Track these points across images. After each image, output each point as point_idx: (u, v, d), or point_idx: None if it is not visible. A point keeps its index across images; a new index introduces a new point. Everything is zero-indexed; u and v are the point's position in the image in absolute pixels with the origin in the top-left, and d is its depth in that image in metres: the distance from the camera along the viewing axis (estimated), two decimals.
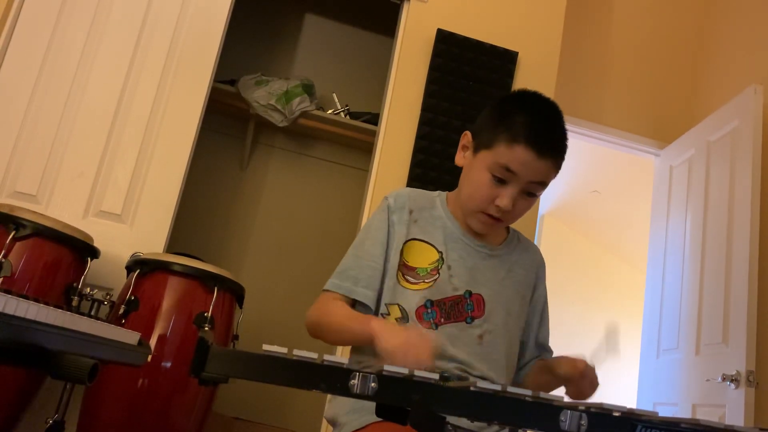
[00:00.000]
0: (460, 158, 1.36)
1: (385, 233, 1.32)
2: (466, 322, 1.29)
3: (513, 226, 1.47)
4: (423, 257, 1.31)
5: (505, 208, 1.24)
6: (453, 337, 1.27)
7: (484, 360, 1.28)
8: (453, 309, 1.29)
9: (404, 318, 1.27)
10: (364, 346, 1.31)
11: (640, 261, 4.03)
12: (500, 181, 1.24)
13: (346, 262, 1.33)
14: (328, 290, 1.30)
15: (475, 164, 1.29)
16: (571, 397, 1.27)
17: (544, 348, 1.44)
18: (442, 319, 1.28)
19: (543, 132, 1.23)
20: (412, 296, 1.28)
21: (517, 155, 1.21)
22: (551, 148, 1.23)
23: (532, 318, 1.43)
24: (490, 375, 1.28)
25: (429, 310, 1.27)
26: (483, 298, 1.31)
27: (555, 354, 1.46)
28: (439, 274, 1.30)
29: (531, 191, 1.26)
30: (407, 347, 1.01)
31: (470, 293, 1.31)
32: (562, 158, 1.27)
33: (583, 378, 1.22)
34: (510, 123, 1.24)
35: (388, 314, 1.28)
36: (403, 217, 1.33)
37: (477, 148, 1.30)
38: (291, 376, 0.66)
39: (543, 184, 1.26)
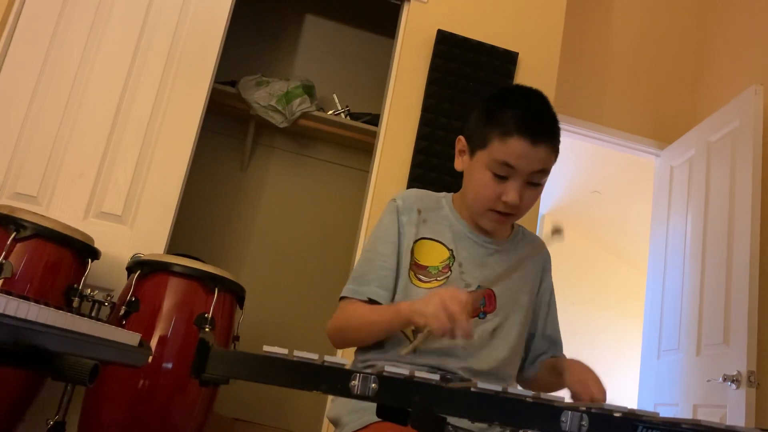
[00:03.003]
0: (459, 163, 1.37)
1: (395, 233, 1.33)
2: (479, 317, 1.30)
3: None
4: (434, 256, 1.32)
5: (513, 203, 1.25)
6: None
7: (495, 351, 1.30)
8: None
9: None
10: (368, 347, 1.31)
11: (640, 261, 4.02)
12: (502, 178, 1.25)
13: (360, 267, 1.33)
14: (346, 297, 1.31)
15: (474, 166, 1.30)
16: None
17: (552, 340, 1.45)
18: None
19: (533, 120, 1.25)
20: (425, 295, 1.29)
21: (512, 148, 1.22)
22: (544, 133, 1.24)
23: (539, 309, 1.44)
24: (497, 368, 1.29)
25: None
26: (494, 293, 1.33)
27: (565, 351, 1.47)
28: (450, 271, 1.31)
29: (534, 181, 1.27)
30: (445, 305, 1.05)
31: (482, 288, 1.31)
32: (558, 142, 1.28)
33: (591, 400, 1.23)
34: (499, 119, 1.25)
35: None
36: (413, 218, 1.34)
37: (473, 150, 1.31)
38: (292, 377, 0.66)
39: (544, 172, 1.27)
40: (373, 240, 1.36)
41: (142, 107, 2.47)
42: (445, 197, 1.42)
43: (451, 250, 1.33)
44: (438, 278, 1.30)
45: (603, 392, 1.22)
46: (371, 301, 1.29)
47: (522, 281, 1.38)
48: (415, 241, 1.32)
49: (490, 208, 1.28)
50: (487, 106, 1.32)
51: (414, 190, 1.42)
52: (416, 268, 1.31)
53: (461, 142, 1.36)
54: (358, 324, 1.27)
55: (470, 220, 1.37)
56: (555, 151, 1.27)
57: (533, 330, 1.43)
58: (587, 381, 1.24)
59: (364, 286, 1.29)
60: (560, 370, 1.32)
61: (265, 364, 0.66)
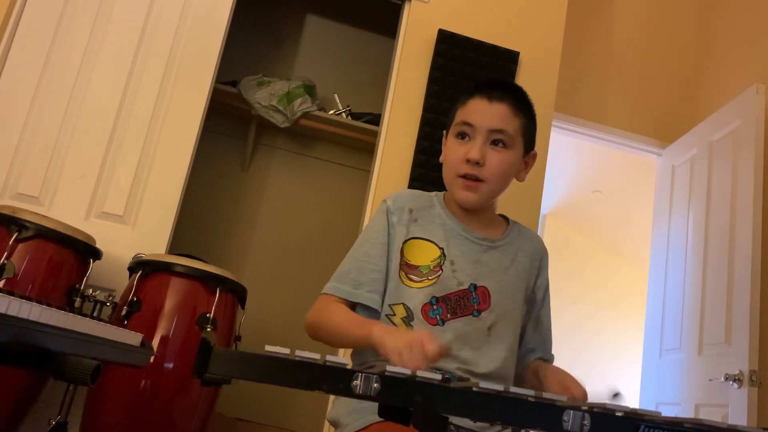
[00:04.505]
0: (442, 155, 1.41)
1: (385, 235, 1.33)
2: (473, 315, 1.29)
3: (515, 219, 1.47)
4: (424, 255, 1.32)
5: (475, 158, 1.28)
6: (461, 331, 1.27)
7: (493, 351, 1.29)
8: (459, 303, 1.29)
9: (409, 317, 1.27)
10: (364, 349, 1.31)
11: (642, 261, 4.02)
12: (464, 138, 1.32)
13: (345, 265, 1.33)
14: (327, 293, 1.30)
15: (446, 144, 1.38)
16: None
17: (542, 337, 1.45)
18: (449, 315, 1.28)
19: (492, 83, 1.34)
20: (417, 294, 1.28)
21: (470, 107, 1.32)
22: (501, 93, 1.31)
23: (533, 305, 1.44)
24: (498, 368, 1.29)
25: (435, 307, 1.28)
26: (488, 290, 1.32)
27: (554, 351, 1.47)
28: (441, 270, 1.30)
29: (495, 140, 1.30)
30: (412, 345, 1.01)
31: (475, 286, 1.31)
32: (520, 106, 1.33)
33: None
34: (465, 94, 1.36)
35: (393, 314, 1.28)
36: (403, 218, 1.34)
37: (447, 132, 1.40)
38: (293, 376, 0.66)
39: (504, 133, 1.30)
40: (362, 241, 1.35)
41: (143, 108, 2.47)
42: (436, 196, 1.42)
43: (442, 248, 1.32)
44: (429, 277, 1.29)
45: (583, 392, 1.22)
46: (357, 305, 1.28)
47: (518, 277, 1.38)
48: (405, 241, 1.32)
49: (457, 173, 1.31)
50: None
51: (406, 191, 1.43)
52: (407, 268, 1.30)
53: (444, 135, 1.42)
54: (333, 329, 1.25)
55: (462, 216, 1.37)
56: (516, 113, 1.32)
57: (525, 323, 1.42)
58: (567, 383, 1.23)
59: (346, 285, 1.29)
60: (541, 377, 1.32)
61: (266, 364, 0.66)
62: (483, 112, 1.29)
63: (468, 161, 1.28)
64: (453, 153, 1.32)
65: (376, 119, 3.18)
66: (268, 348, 0.67)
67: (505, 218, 1.46)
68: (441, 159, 1.40)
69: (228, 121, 3.34)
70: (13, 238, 1.83)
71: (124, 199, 2.39)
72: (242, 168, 3.41)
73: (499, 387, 0.68)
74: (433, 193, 1.43)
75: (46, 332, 0.70)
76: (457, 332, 1.27)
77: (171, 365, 1.92)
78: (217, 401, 2.13)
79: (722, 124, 2.98)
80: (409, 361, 1.00)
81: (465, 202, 1.34)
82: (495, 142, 1.30)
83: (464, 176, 1.30)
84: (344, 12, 3.62)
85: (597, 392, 1.21)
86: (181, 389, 1.95)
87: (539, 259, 1.45)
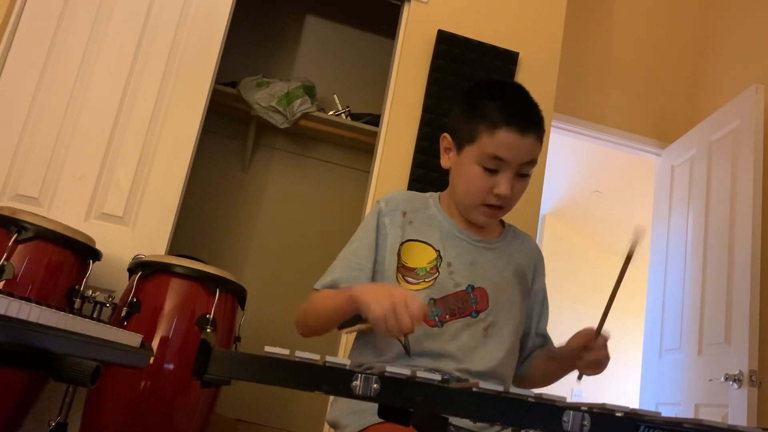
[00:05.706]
0: (446, 160, 1.38)
1: (373, 235, 1.33)
2: (472, 316, 1.30)
3: (514, 223, 1.48)
4: (421, 257, 1.32)
5: (505, 195, 1.26)
6: (459, 332, 1.28)
7: (491, 352, 1.29)
8: (457, 305, 1.29)
9: None
10: (364, 347, 1.31)
11: (641, 261, 4.02)
12: (492, 171, 1.26)
13: (334, 264, 1.35)
14: (314, 289, 1.33)
15: (462, 161, 1.31)
16: (586, 370, 1.26)
17: (544, 337, 1.46)
18: (447, 316, 1.28)
19: (518, 111, 1.26)
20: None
21: (501, 141, 1.24)
22: (531, 123, 1.26)
23: (533, 308, 1.44)
24: (495, 368, 1.29)
25: (433, 309, 1.28)
26: (486, 291, 1.32)
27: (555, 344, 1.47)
28: (438, 272, 1.30)
29: (523, 172, 1.28)
30: (396, 307, 1.03)
31: (473, 287, 1.31)
32: (543, 131, 1.30)
33: (596, 341, 1.22)
34: (484, 112, 1.26)
35: None
36: (397, 219, 1.34)
37: (460, 145, 1.32)
38: (293, 377, 0.66)
39: (533, 163, 1.28)
40: (352, 240, 1.37)
41: (143, 108, 2.47)
42: (431, 197, 1.42)
43: (438, 250, 1.32)
44: (426, 279, 1.30)
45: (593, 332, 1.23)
46: None
47: (514, 279, 1.38)
48: (402, 244, 1.32)
49: (482, 202, 1.29)
50: (469, 101, 1.33)
51: (400, 192, 1.43)
52: (404, 270, 1.31)
53: (446, 139, 1.37)
54: (317, 310, 1.27)
55: (459, 218, 1.37)
56: (541, 140, 1.29)
57: (528, 329, 1.43)
58: (585, 330, 1.25)
59: (327, 278, 1.31)
60: (557, 352, 1.34)
61: (266, 364, 0.66)
62: (516, 147, 1.24)
63: (498, 195, 1.26)
64: (480, 183, 1.27)
65: (375, 120, 3.18)
66: (268, 349, 0.67)
67: (501, 220, 1.46)
68: (445, 164, 1.37)
69: (228, 121, 3.34)
70: (12, 240, 1.83)
71: (124, 199, 2.39)
72: (242, 169, 3.41)
73: (499, 387, 0.68)
74: (428, 194, 1.43)
75: (46, 333, 0.70)
76: (456, 333, 1.27)
77: (171, 366, 1.92)
78: (217, 402, 2.13)
79: (722, 124, 2.98)
80: (395, 327, 1.03)
81: (482, 225, 1.35)
82: (522, 171, 1.28)
83: (488, 205, 1.29)
84: (344, 12, 3.62)
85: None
86: (180, 390, 1.95)
87: (534, 262, 1.45)
